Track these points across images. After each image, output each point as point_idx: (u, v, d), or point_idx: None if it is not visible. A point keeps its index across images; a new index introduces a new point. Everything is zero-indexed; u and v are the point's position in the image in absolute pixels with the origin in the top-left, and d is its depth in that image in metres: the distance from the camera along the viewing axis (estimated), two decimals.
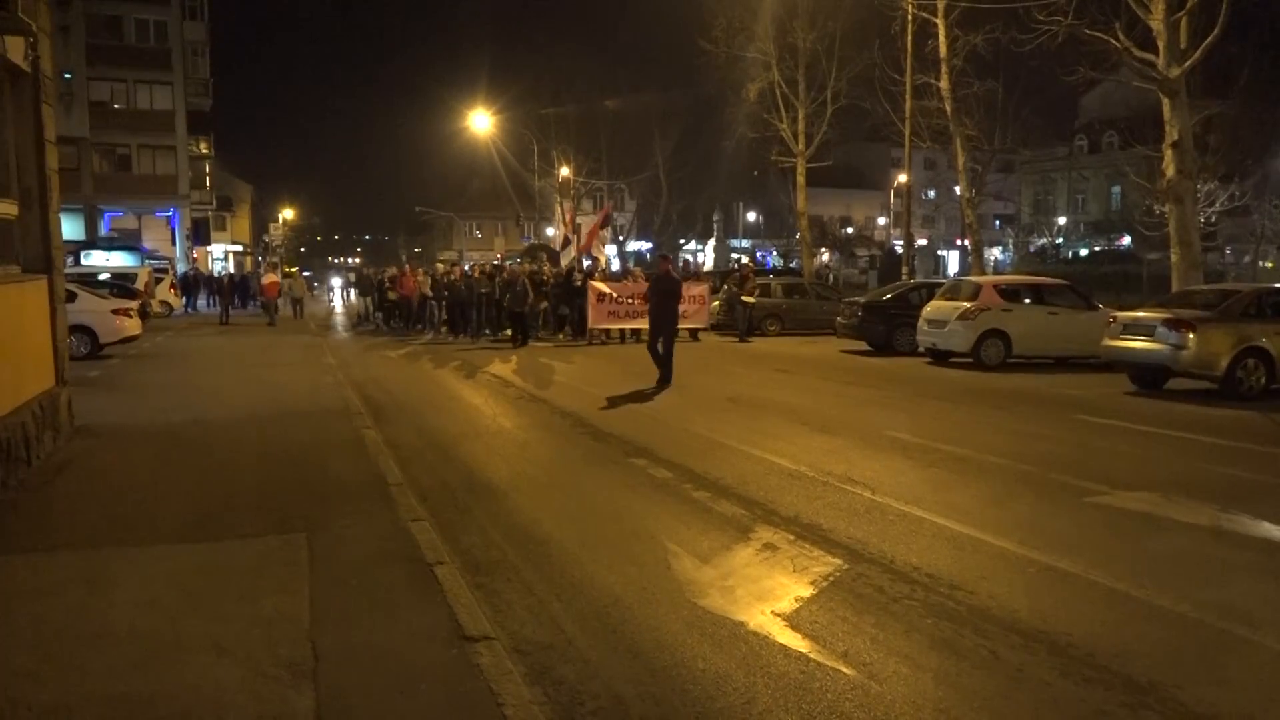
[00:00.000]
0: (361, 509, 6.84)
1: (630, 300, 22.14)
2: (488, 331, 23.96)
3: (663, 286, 14.48)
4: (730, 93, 35.44)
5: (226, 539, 6.10)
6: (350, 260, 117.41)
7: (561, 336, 23.78)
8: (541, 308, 23.69)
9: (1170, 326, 12.96)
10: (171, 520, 6.54)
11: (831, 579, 5.49)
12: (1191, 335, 12.70)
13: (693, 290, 23.10)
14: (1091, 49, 19.48)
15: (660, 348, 14.16)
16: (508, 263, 34.05)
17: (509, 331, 22.29)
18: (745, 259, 45.80)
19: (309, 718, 3.73)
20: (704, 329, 23.47)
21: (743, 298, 22.90)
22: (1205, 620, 4.88)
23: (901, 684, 4.16)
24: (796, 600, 5.17)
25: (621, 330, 22.86)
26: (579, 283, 23.12)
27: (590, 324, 22.33)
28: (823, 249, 65.01)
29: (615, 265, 37.13)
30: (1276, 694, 4.11)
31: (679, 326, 23.01)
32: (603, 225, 32.33)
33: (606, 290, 22.26)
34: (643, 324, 22.58)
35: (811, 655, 4.46)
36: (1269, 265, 47.66)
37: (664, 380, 13.84)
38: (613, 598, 5.25)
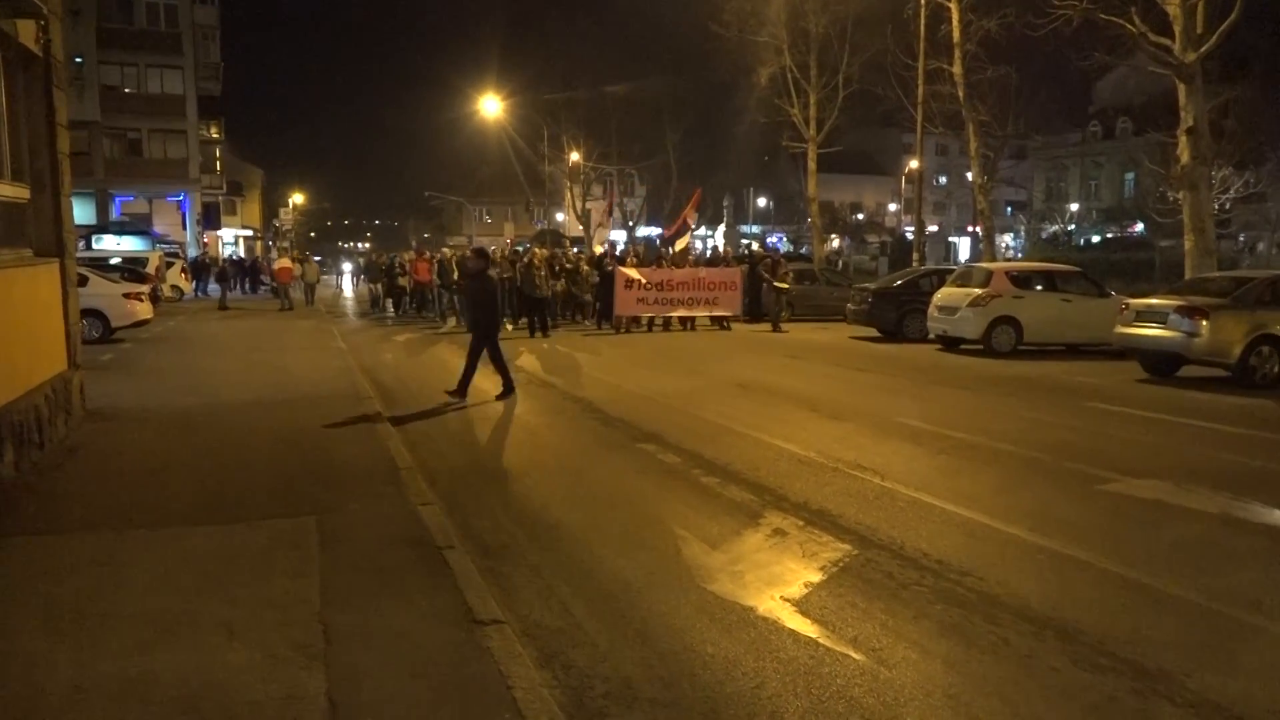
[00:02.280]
0: (371, 492, 6.87)
1: (660, 287, 21.55)
2: (508, 322, 22.84)
3: (475, 285, 11.98)
4: (741, 77, 35.27)
5: (237, 521, 6.13)
6: (360, 245, 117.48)
7: (588, 324, 23.10)
8: (560, 289, 22.86)
9: (1183, 314, 12.88)
10: (183, 503, 6.57)
11: (841, 565, 5.49)
12: (1205, 323, 12.62)
13: (723, 277, 22.52)
14: (1107, 33, 19.32)
15: (482, 353, 11.61)
16: (518, 248, 33.61)
17: (525, 320, 21.42)
18: (756, 245, 45.63)
19: (320, 699, 3.75)
20: (734, 317, 22.72)
21: (775, 284, 21.95)
22: (1216, 608, 4.86)
23: (911, 670, 4.16)
24: (806, 586, 5.17)
25: (650, 319, 22.21)
26: (609, 268, 22.22)
27: (617, 311, 21.54)
28: (833, 235, 64.81)
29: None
30: None
31: (715, 314, 22.23)
32: (697, 208, 30.87)
33: (635, 276, 21.45)
34: (673, 311, 21.93)
35: (821, 640, 4.46)
36: None
37: (462, 390, 11.36)
38: (622, 582, 5.26)
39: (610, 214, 29.56)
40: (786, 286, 22.20)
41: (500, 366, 11.70)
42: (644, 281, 21.49)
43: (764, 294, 22.62)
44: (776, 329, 21.41)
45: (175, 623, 4.48)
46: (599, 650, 4.40)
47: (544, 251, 24.11)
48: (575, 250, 27.79)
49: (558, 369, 14.83)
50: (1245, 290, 13.14)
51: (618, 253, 26.03)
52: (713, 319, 22.55)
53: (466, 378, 11.45)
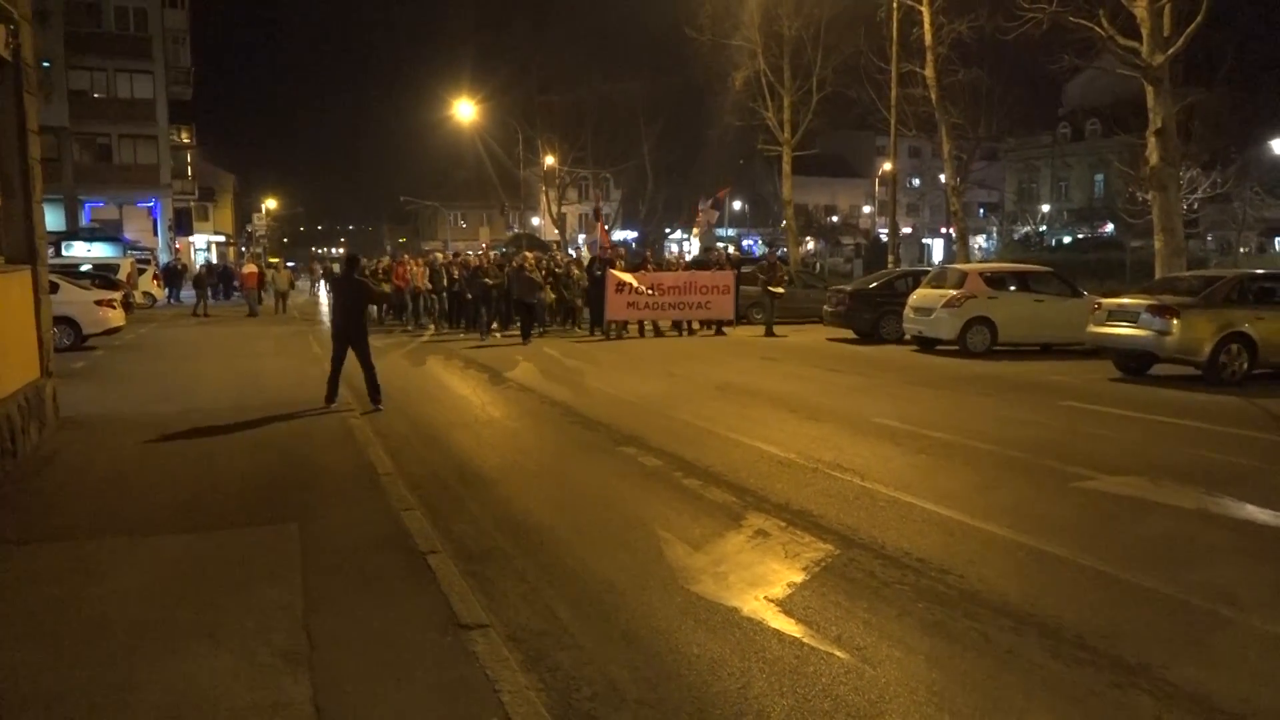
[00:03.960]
0: (352, 498, 6.84)
1: (651, 291, 21.05)
2: (495, 326, 22.24)
3: (344, 286, 11.65)
4: (716, 81, 35.37)
5: (217, 529, 6.09)
6: (335, 250, 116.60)
7: (578, 330, 22.53)
8: (550, 298, 22.10)
9: (1154, 313, 13.05)
10: (162, 511, 6.51)
11: (823, 565, 5.53)
12: (1175, 321, 12.79)
13: (716, 280, 21.85)
14: (1075, 36, 19.58)
15: (347, 363, 11.22)
16: (495, 251, 33.22)
17: (518, 326, 20.68)
18: (732, 248, 45.72)
19: (305, 705, 3.73)
20: (730, 321, 21.98)
21: (769, 288, 21.47)
22: (1192, 601, 4.94)
23: (894, 667, 4.20)
24: (789, 586, 5.20)
25: (640, 323, 21.67)
26: (599, 272, 21.49)
27: (608, 316, 20.97)
28: (808, 237, 65.10)
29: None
30: (1262, 672, 4.17)
31: (707, 318, 21.58)
32: (715, 207, 30.75)
33: (626, 280, 20.87)
34: (665, 315, 21.43)
35: (805, 640, 4.49)
36: (1246, 251, 48.06)
37: (374, 396, 11.20)
38: (606, 585, 5.27)
39: (599, 218, 29.36)
40: (781, 291, 21.63)
41: (369, 376, 11.25)
42: (635, 286, 20.95)
43: (741, 297, 22.37)
44: (770, 333, 20.83)
45: (157, 630, 4.44)
46: (584, 652, 4.41)
47: (534, 255, 23.43)
48: (572, 254, 27.57)
49: (540, 374, 14.81)
50: (1214, 289, 13.33)
51: (605, 256, 25.41)
52: (710, 323, 21.94)
53: (334, 387, 11.13)
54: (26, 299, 9.05)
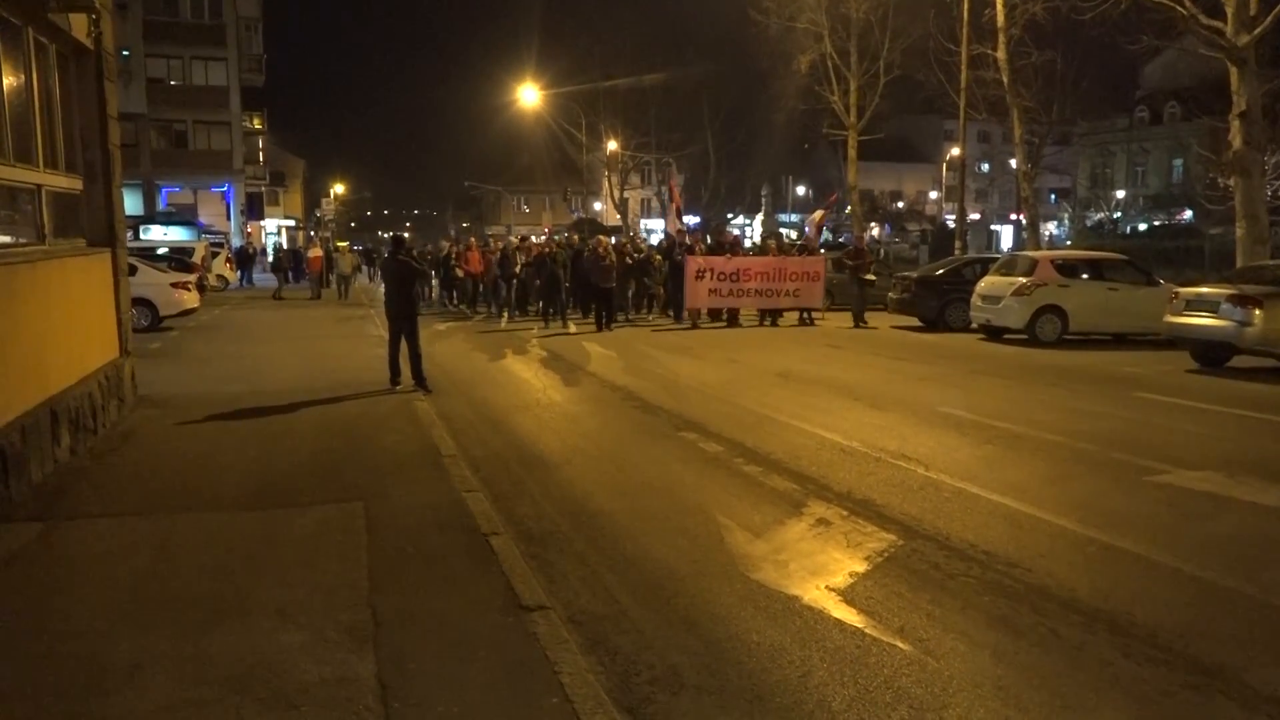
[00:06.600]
0: (416, 479, 6.94)
1: (733, 278, 19.97)
2: (569, 313, 21.46)
3: (391, 267, 11.80)
4: (780, 65, 34.91)
5: (286, 506, 6.23)
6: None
7: (653, 316, 21.91)
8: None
9: (1235, 302, 12.60)
10: (232, 488, 6.69)
11: (886, 555, 5.46)
12: (1258, 311, 12.33)
13: (805, 267, 20.70)
14: (1155, 16, 18.90)
15: (403, 343, 11.35)
16: (556, 236, 33.07)
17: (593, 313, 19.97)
18: (795, 234, 45.26)
19: (370, 681, 3.81)
20: (820, 311, 20.86)
21: (860, 275, 20.33)
22: (1272, 602, 4.76)
23: (959, 660, 4.13)
24: (851, 575, 5.14)
25: (729, 311, 20.55)
26: (679, 258, 20.47)
27: (688, 304, 20.02)
28: (873, 223, 64.18)
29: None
30: None
31: (795, 307, 20.41)
32: (828, 209, 28.82)
33: (707, 266, 19.97)
34: (748, 303, 20.33)
35: (867, 630, 4.44)
36: None
37: (419, 380, 11.22)
38: (666, 570, 5.27)
39: (677, 201, 27.85)
40: (873, 279, 20.78)
41: (415, 359, 11.32)
42: (716, 271, 19.96)
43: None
44: (859, 323, 19.87)
45: (228, 605, 4.57)
46: (644, 637, 4.42)
47: (609, 240, 22.61)
48: (646, 241, 27.01)
49: (603, 360, 14.85)
50: None
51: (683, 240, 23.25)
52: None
53: (395, 368, 11.32)
54: (107, 281, 9.34)
